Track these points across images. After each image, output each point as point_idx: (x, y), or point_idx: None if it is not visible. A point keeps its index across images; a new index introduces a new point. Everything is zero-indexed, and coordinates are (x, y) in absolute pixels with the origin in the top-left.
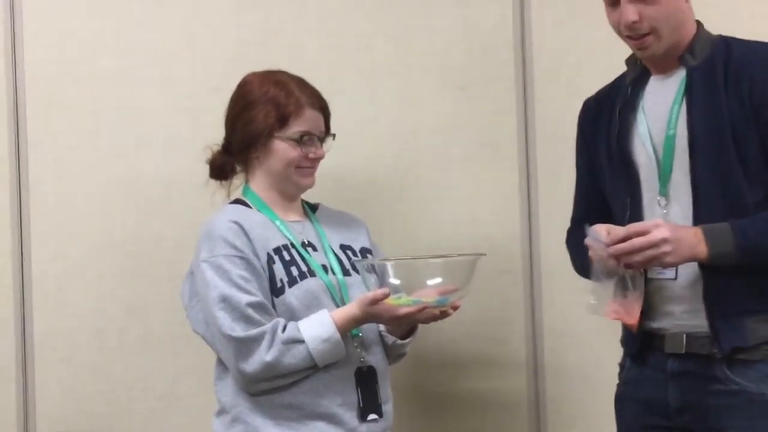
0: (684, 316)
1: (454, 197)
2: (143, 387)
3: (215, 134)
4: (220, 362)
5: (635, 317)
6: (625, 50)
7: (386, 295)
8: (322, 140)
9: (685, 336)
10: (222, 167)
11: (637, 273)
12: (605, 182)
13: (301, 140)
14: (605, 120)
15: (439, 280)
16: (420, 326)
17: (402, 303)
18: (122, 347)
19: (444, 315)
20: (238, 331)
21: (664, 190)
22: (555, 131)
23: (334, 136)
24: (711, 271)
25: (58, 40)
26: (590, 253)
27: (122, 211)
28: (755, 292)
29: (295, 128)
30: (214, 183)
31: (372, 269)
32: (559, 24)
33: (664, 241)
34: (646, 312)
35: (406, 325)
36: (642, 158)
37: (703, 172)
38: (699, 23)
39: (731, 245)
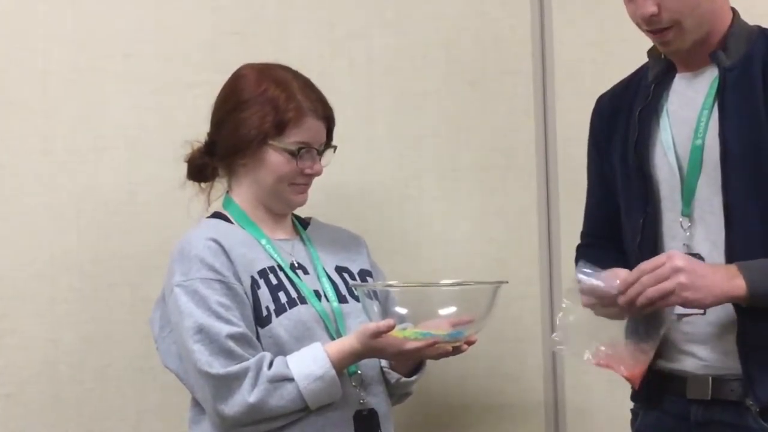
0: (711, 358)
1: (462, 211)
2: (101, 430)
3: (187, 136)
4: (196, 403)
5: (636, 373)
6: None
7: (391, 327)
8: (321, 153)
9: (710, 380)
10: (202, 169)
11: (657, 320)
12: (618, 196)
13: (297, 153)
14: (622, 122)
15: (453, 309)
16: (427, 361)
17: (409, 336)
18: (77, 383)
19: (457, 351)
20: (217, 367)
21: (687, 210)
22: (578, 135)
23: (335, 148)
24: (746, 310)
25: (2, 28)
26: (583, 301)
27: (78, 225)
28: None
29: (293, 138)
30: (188, 193)
31: (374, 295)
32: (584, 12)
33: (677, 270)
34: (663, 350)
35: (412, 361)
36: (663, 171)
37: (738, 190)
38: (735, 12)
39: None
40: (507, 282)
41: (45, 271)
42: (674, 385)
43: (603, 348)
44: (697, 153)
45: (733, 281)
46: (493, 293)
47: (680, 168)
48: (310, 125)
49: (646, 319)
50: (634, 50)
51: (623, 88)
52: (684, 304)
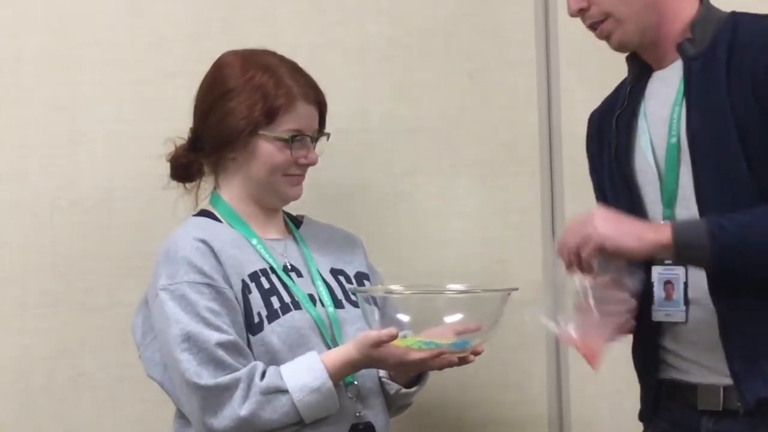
0: (721, 367)
1: (461, 210)
2: None
3: (168, 129)
4: (181, 415)
5: (594, 352)
6: None
7: (394, 337)
8: (314, 141)
9: (722, 390)
10: (187, 167)
11: (593, 280)
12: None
13: (291, 141)
14: (606, 134)
15: (458, 317)
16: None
17: (411, 345)
18: (50, 393)
19: (463, 362)
20: (206, 377)
21: (668, 212)
22: (585, 129)
23: (328, 136)
24: (726, 303)
25: None
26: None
27: (51, 224)
28: None
29: (285, 126)
30: (172, 192)
31: (373, 301)
32: None
33: (593, 215)
34: (672, 360)
35: (413, 372)
36: (647, 175)
37: (708, 185)
38: None
39: (704, 236)
40: (517, 289)
41: (15, 274)
42: (683, 396)
43: (567, 323)
44: (673, 151)
45: (660, 229)
46: (502, 301)
47: (658, 169)
48: (302, 111)
49: (608, 294)
50: None
51: (612, 97)
52: (609, 250)
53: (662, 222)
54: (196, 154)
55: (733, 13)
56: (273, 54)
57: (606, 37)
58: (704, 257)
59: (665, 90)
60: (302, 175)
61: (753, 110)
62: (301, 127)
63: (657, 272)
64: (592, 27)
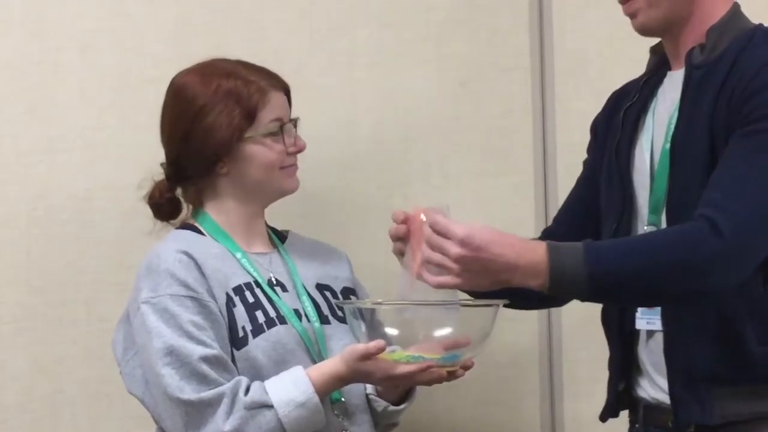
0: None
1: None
2: None
3: (150, 137)
4: None
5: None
6: None
7: (382, 349)
8: (295, 126)
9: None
10: (172, 202)
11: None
12: (600, 201)
13: (279, 131)
14: (615, 121)
15: (448, 330)
16: (418, 388)
17: (399, 359)
18: (26, 411)
19: (453, 376)
20: (189, 392)
21: (654, 218)
22: (581, 139)
23: (296, 121)
24: (672, 321)
25: None
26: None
27: (28, 235)
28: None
29: (267, 119)
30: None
31: (360, 315)
32: (587, 1)
33: (468, 245)
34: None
35: (402, 387)
36: (642, 176)
37: (677, 197)
38: (736, 6)
39: (580, 263)
40: (508, 302)
41: None
42: (656, 416)
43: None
44: (665, 158)
45: (533, 251)
46: (494, 313)
47: (652, 172)
48: (275, 101)
49: None
50: (646, 44)
51: (633, 84)
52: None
53: (646, 228)
54: (182, 182)
55: (757, 27)
56: (223, 59)
57: (632, 14)
58: (580, 287)
59: (672, 93)
60: (295, 164)
61: (727, 123)
62: (280, 115)
63: None
64: (622, 0)
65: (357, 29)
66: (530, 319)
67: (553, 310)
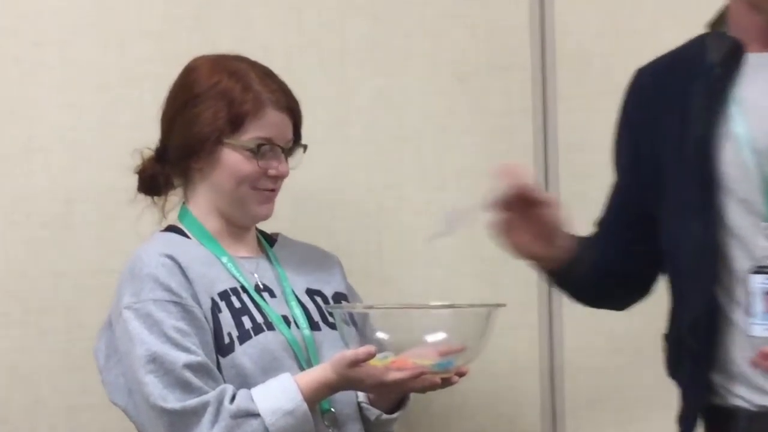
0: None
1: None
2: None
3: (132, 137)
4: None
5: None
6: (680, 31)
7: (371, 355)
8: (288, 152)
9: None
10: (154, 179)
11: None
12: (663, 198)
13: (258, 151)
14: (676, 108)
15: (442, 336)
16: (412, 396)
17: (390, 365)
18: (3, 422)
19: (446, 383)
20: (172, 401)
21: None
22: (582, 139)
23: (305, 148)
24: None
25: None
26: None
27: (4, 240)
28: None
29: (252, 133)
30: (136, 203)
31: (351, 321)
32: None
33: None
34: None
35: (394, 395)
36: (738, 170)
37: None
38: None
39: None
40: (505, 305)
41: None
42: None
43: None
44: None
45: None
46: (488, 318)
47: (760, 166)
48: (271, 119)
49: None
50: (648, 42)
51: (668, 65)
52: None
53: (763, 224)
54: (163, 165)
55: None
56: (245, 59)
57: None
58: None
59: (764, 79)
60: (273, 191)
61: None
62: (271, 135)
63: (757, 282)
64: None
65: (348, 24)
66: (530, 324)
67: (555, 320)
